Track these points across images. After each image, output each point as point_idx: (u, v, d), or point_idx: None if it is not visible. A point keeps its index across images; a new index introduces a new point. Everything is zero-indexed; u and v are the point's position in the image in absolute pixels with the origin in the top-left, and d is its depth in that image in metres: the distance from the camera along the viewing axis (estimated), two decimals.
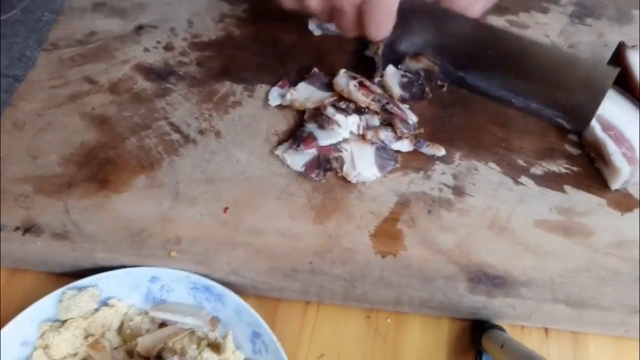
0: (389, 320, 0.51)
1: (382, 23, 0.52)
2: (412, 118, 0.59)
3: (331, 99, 0.58)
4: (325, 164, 0.55)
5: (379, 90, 0.59)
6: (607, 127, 0.57)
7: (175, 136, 0.58)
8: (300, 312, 0.51)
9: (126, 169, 0.55)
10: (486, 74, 0.60)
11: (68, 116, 0.59)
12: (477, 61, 0.60)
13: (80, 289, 0.48)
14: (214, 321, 0.48)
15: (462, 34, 0.57)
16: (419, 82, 0.61)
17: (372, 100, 0.57)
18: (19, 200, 0.53)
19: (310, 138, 0.56)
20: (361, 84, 0.58)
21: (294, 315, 0.51)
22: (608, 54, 0.63)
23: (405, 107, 0.59)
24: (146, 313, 0.49)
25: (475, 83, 0.62)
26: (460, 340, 0.50)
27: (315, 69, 0.62)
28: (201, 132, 0.58)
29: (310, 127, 0.57)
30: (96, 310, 0.48)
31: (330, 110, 0.56)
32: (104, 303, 0.49)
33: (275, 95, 0.61)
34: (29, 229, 0.51)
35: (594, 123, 0.57)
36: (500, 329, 0.49)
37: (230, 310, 0.48)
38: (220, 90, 0.62)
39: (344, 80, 0.59)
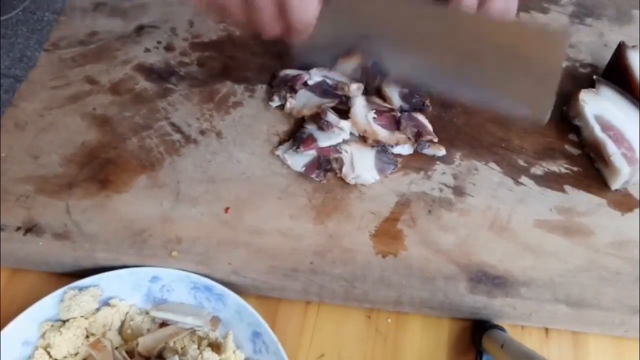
0: (389, 320, 0.51)
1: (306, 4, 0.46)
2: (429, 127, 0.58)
3: (330, 104, 0.58)
4: (326, 164, 0.55)
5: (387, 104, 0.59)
6: (606, 127, 0.57)
7: (176, 136, 0.58)
8: (301, 312, 0.51)
9: (127, 169, 0.55)
10: (433, 65, 0.51)
11: (69, 116, 0.59)
12: (420, 48, 0.51)
13: (81, 288, 0.48)
14: (215, 321, 0.49)
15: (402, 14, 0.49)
16: (419, 94, 0.60)
17: (401, 132, 0.56)
18: (20, 200, 0.53)
19: (310, 139, 0.56)
20: (379, 112, 0.57)
21: (295, 315, 0.51)
22: (608, 54, 0.63)
23: (421, 116, 0.59)
24: (147, 313, 0.49)
25: (422, 79, 0.54)
26: (460, 340, 0.50)
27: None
28: (202, 132, 0.58)
29: (310, 128, 0.57)
30: (97, 310, 0.48)
31: (331, 117, 0.56)
32: (105, 303, 0.49)
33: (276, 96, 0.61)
34: (30, 229, 0.51)
35: (593, 123, 0.57)
36: (501, 329, 0.49)
37: (230, 310, 0.48)
38: (221, 91, 0.62)
39: (361, 113, 0.56)
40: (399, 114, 0.57)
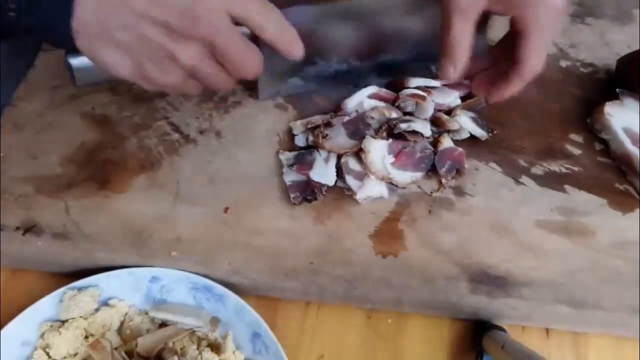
0: (389, 320, 0.51)
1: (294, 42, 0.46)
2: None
3: (355, 149, 0.55)
4: (309, 194, 0.53)
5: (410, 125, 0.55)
6: (636, 139, 0.56)
7: (176, 136, 0.58)
8: (301, 313, 0.51)
9: (126, 169, 0.55)
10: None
11: (68, 116, 0.59)
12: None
13: (80, 289, 0.48)
14: (214, 321, 0.48)
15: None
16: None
17: (440, 177, 0.55)
18: (20, 200, 0.52)
19: (307, 166, 0.54)
20: (398, 152, 0.55)
21: (295, 316, 0.51)
22: (609, 53, 0.63)
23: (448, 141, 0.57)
24: (146, 313, 0.49)
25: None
26: (461, 341, 0.50)
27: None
28: (201, 132, 0.58)
29: (318, 154, 0.55)
30: (96, 310, 0.48)
31: (352, 164, 0.54)
32: (105, 303, 0.49)
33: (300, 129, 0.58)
34: (30, 229, 0.51)
35: (622, 136, 0.56)
36: (501, 329, 0.48)
37: (230, 311, 0.48)
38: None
39: (378, 159, 0.54)
40: (426, 151, 0.55)
